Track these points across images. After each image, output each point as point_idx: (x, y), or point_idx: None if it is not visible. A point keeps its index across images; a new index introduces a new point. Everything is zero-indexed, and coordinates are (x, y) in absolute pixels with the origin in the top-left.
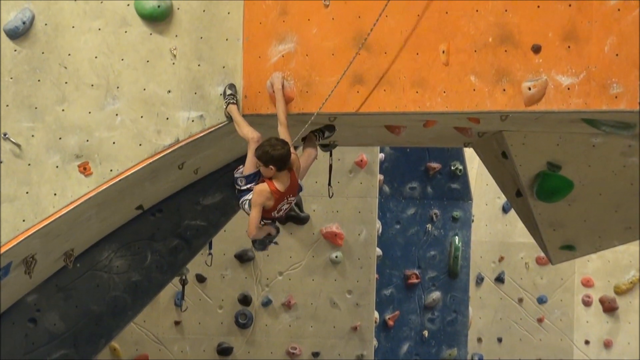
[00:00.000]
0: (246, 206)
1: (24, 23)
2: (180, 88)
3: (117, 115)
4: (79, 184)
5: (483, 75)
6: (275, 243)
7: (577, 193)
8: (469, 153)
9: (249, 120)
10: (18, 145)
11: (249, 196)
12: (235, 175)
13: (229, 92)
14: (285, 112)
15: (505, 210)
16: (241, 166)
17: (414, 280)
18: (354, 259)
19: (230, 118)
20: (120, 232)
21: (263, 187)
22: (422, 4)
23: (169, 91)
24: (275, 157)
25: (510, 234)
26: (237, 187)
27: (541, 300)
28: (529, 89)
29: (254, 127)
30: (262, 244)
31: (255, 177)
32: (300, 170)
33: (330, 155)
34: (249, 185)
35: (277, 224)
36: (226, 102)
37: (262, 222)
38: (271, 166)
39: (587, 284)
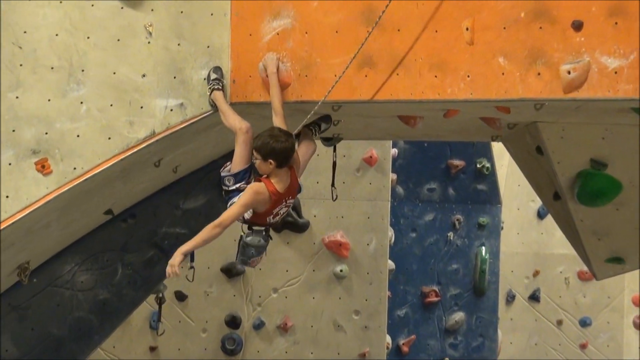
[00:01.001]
0: None
1: None
2: (156, 71)
3: (81, 103)
4: (36, 184)
5: (514, 57)
6: (257, 254)
7: (626, 195)
8: (498, 148)
9: (238, 109)
10: None
11: (238, 198)
12: (222, 173)
13: (214, 76)
14: (281, 99)
15: (540, 215)
16: (228, 163)
17: (433, 299)
18: (362, 274)
19: (215, 107)
20: (85, 242)
21: (260, 186)
22: None
23: (144, 75)
24: (278, 150)
25: (546, 244)
26: (224, 187)
27: (584, 323)
28: (569, 72)
29: (243, 117)
30: (244, 254)
31: (246, 175)
32: (299, 168)
33: (334, 150)
34: (238, 185)
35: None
36: (210, 87)
37: (250, 228)
38: (271, 160)
39: (638, 303)
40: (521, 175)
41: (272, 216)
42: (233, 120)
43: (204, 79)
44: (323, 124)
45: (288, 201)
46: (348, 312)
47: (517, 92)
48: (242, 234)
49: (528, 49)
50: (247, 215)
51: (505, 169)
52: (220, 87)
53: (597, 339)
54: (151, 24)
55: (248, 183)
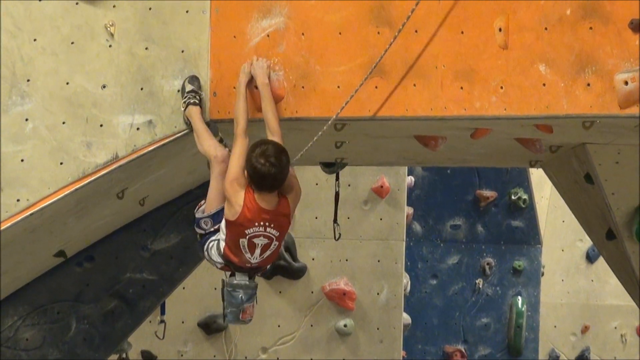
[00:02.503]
0: (213, 251)
1: None
2: (119, 82)
3: (27, 120)
4: None
5: (558, 64)
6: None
7: None
8: (538, 176)
9: (220, 128)
10: None
11: (217, 236)
12: (197, 215)
13: (189, 87)
14: (277, 115)
15: (590, 258)
16: (203, 201)
17: None
18: (371, 329)
19: (190, 124)
20: (31, 290)
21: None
22: None
23: (104, 86)
24: (257, 170)
25: (598, 294)
26: (200, 231)
27: None
28: (626, 83)
29: (227, 138)
30: (233, 303)
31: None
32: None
33: (337, 179)
34: (217, 226)
35: (255, 275)
36: (185, 102)
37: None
38: (246, 174)
39: None
40: (566, 209)
41: (247, 238)
42: (208, 145)
43: (178, 90)
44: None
45: (268, 229)
46: None
47: (561, 107)
48: (224, 278)
49: (575, 54)
50: (209, 225)
51: (546, 201)
52: (197, 102)
53: None
54: (113, 24)
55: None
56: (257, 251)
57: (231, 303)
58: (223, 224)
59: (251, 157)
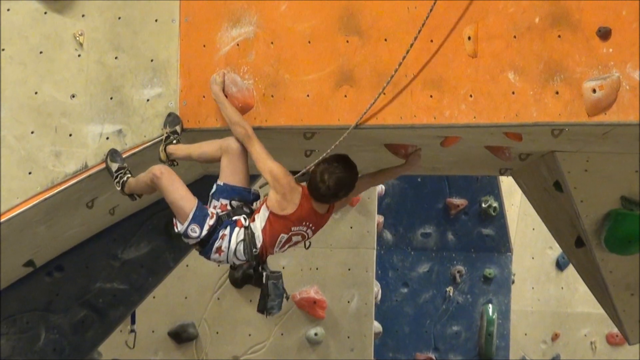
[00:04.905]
0: (240, 249)
1: None
2: (89, 91)
3: None
4: None
5: (527, 72)
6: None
7: None
8: (507, 184)
9: (190, 137)
10: None
11: (237, 236)
12: (179, 230)
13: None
14: (236, 111)
15: (560, 266)
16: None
17: None
18: (342, 338)
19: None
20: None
21: (296, 183)
22: None
23: (73, 95)
24: (316, 189)
25: (568, 301)
26: (193, 241)
27: None
28: (594, 91)
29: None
30: (278, 295)
31: (204, 212)
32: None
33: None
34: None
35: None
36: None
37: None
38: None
39: None
40: (536, 217)
41: (287, 236)
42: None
43: (147, 100)
44: (178, 127)
45: (308, 230)
46: None
47: (530, 115)
48: (267, 273)
49: (544, 63)
50: (264, 213)
51: (516, 209)
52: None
53: None
54: (82, 33)
55: (232, 216)
56: (287, 245)
57: (277, 294)
58: (260, 220)
59: (316, 170)
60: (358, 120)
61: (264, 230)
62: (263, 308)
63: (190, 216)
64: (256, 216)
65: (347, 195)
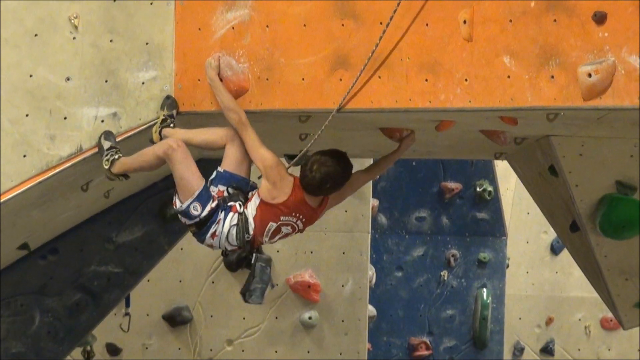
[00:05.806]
0: (232, 234)
1: None
2: (83, 74)
3: None
4: None
5: (522, 56)
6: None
7: None
8: (503, 168)
9: (184, 120)
10: None
11: (230, 221)
12: (179, 208)
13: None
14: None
15: (555, 250)
16: (175, 197)
17: (423, 352)
18: (336, 322)
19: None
20: None
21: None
22: None
23: (68, 78)
24: (305, 180)
25: (562, 286)
26: (192, 221)
27: None
28: (589, 75)
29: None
30: (264, 280)
31: (208, 194)
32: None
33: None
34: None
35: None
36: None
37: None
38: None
39: None
40: (531, 201)
41: (276, 225)
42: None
43: (143, 82)
44: (175, 111)
45: (298, 221)
46: None
47: (525, 100)
48: (256, 254)
49: (539, 47)
50: (255, 200)
51: (511, 193)
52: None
53: None
54: (77, 16)
55: (227, 202)
56: (277, 237)
57: (262, 280)
58: (252, 207)
59: (309, 159)
60: (341, 102)
61: (254, 217)
62: (245, 290)
63: (196, 194)
64: (249, 204)
65: (333, 190)
